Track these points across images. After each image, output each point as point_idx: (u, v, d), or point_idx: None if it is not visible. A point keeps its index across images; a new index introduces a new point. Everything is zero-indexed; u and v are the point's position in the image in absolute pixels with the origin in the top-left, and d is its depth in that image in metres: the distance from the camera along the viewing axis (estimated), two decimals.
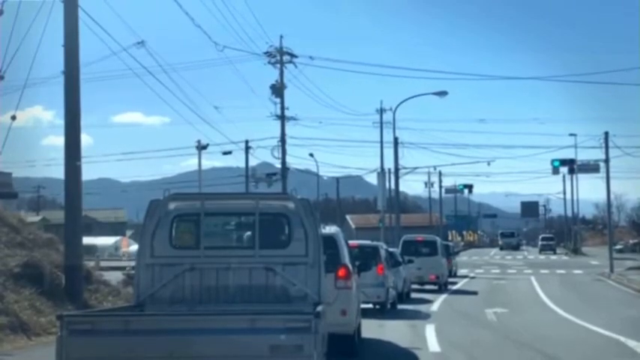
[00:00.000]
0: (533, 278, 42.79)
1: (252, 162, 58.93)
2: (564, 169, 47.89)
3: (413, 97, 49.73)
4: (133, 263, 18.69)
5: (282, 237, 9.95)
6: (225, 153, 54.93)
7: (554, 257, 76.35)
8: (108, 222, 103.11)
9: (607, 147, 47.37)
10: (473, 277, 44.00)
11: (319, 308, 8.11)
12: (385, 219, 77.16)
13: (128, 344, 7.36)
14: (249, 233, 10.24)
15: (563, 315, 22.15)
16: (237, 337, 7.38)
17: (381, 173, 76.15)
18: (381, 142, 77.30)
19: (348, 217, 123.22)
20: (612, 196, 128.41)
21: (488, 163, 47.66)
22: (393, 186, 59.36)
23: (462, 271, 48.12)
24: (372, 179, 79.86)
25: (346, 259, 13.75)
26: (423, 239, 36.18)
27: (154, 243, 9.72)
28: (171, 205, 9.95)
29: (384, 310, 21.86)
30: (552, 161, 47.60)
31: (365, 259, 19.43)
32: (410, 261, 31.78)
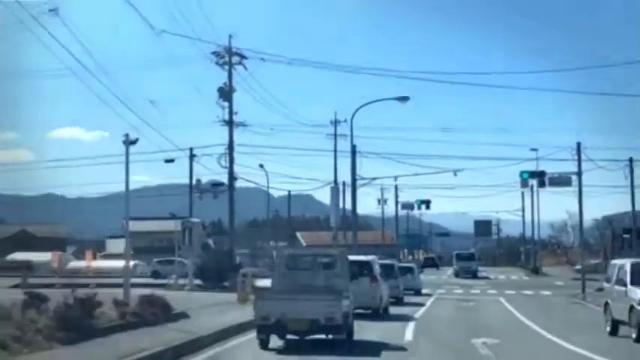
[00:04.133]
0: (502, 300, 39.39)
1: (204, 172, 54.71)
2: (533, 182, 44.49)
3: (372, 102, 46.04)
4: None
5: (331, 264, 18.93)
6: (168, 161, 50.59)
7: (514, 277, 73.13)
8: (46, 237, 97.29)
9: (579, 159, 44.23)
10: (436, 298, 40.19)
11: (344, 294, 17.38)
12: (338, 236, 73.88)
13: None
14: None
15: (572, 348, 18.30)
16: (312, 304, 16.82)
17: (335, 187, 72.76)
18: (335, 154, 73.56)
19: (298, 234, 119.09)
20: (567, 216, 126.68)
21: (455, 174, 44.08)
22: (347, 201, 55.84)
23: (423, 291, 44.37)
24: (323, 197, 75.74)
25: (375, 273, 27.38)
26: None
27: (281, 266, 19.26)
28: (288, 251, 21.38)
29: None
30: (521, 173, 44.32)
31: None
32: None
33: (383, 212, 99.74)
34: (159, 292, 37.70)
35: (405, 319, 26.24)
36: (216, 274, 43.10)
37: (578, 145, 44.22)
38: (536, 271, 78.97)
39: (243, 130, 49.83)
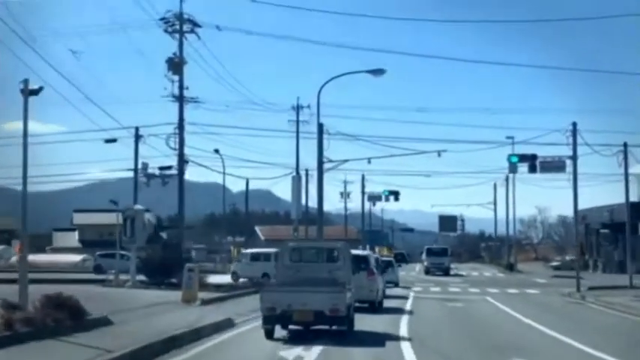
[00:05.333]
0: (492, 299, 34.34)
1: (151, 154, 48.81)
2: (524, 167, 39.44)
3: (342, 75, 40.54)
4: None
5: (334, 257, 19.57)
6: (109, 141, 44.65)
7: (488, 274, 68.20)
8: None
9: (575, 142, 39.27)
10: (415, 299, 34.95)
11: (347, 287, 17.79)
12: (299, 230, 68.37)
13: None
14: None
15: None
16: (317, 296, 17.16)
17: (297, 177, 67.25)
18: (297, 141, 68.36)
19: (257, 228, 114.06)
20: (536, 211, 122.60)
21: (439, 154, 38.52)
22: (310, 195, 50.52)
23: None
24: (282, 193, 70.19)
25: (372, 266, 27.94)
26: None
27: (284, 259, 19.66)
28: (292, 244, 20.82)
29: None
30: (509, 157, 39.24)
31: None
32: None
33: (345, 203, 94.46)
34: (97, 289, 33.49)
35: (399, 311, 26.47)
36: (163, 270, 37.51)
37: (574, 125, 39.33)
38: (510, 267, 73.80)
39: (196, 107, 44.29)
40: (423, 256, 79.87)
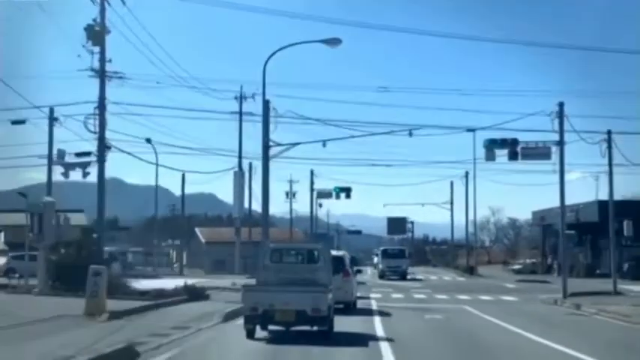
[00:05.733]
0: (471, 308, 28.86)
1: (68, 137, 42.06)
2: (502, 153, 33.84)
3: (291, 45, 34.57)
4: None
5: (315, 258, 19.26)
6: (16, 122, 37.95)
7: (447, 278, 62.66)
8: None
9: (562, 124, 33.86)
10: (385, 313, 29.25)
11: (328, 287, 17.87)
12: (242, 233, 62.34)
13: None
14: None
15: None
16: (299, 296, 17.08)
17: (239, 172, 61.17)
18: (240, 133, 62.25)
19: (197, 230, 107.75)
20: (489, 212, 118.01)
21: (410, 133, 32.38)
22: (256, 193, 44.46)
23: None
24: (226, 197, 63.98)
25: (347, 267, 27.43)
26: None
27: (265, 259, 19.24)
28: (273, 245, 20.20)
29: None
30: (486, 142, 33.64)
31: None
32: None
33: (291, 203, 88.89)
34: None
35: (370, 313, 26.01)
36: (77, 274, 31.08)
37: (561, 106, 33.93)
38: (470, 271, 68.34)
39: (121, 85, 37.80)
40: (377, 258, 74.18)
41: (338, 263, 25.15)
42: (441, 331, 20.59)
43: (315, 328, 17.23)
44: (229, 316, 22.04)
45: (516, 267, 73.59)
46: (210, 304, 27.12)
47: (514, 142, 33.24)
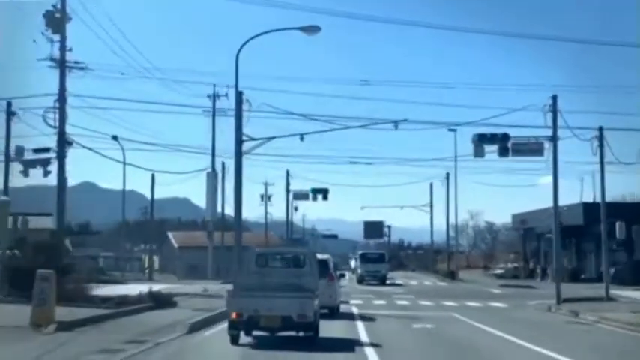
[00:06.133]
0: (461, 316, 26.65)
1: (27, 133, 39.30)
2: (492, 150, 31.61)
3: (267, 32, 32.15)
4: None
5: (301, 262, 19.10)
6: None
7: (428, 283, 60.40)
8: None
9: (555, 118, 31.72)
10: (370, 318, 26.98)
11: (315, 293, 17.54)
12: (214, 237, 59.85)
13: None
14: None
15: None
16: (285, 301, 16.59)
17: (212, 174, 58.62)
18: (213, 132, 59.64)
19: (170, 234, 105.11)
20: (468, 215, 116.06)
21: (396, 126, 29.94)
22: (228, 196, 41.92)
23: None
24: (200, 201, 61.52)
25: (332, 271, 27.01)
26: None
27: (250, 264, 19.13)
28: (258, 249, 20.98)
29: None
30: (475, 137, 31.37)
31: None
32: None
33: (266, 206, 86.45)
34: None
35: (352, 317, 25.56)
36: (32, 279, 28.48)
37: (554, 99, 31.79)
38: (451, 276, 66.09)
39: (83, 76, 35.24)
40: (355, 262, 71.70)
41: (322, 267, 24.00)
42: (435, 343, 18.28)
43: (300, 333, 16.90)
44: (195, 327, 19.60)
45: (498, 271, 71.52)
46: (177, 312, 24.66)
47: (505, 138, 31.03)
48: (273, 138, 30.38)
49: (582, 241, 64.25)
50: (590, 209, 58.52)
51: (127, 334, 17.10)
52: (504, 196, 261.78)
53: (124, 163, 52.09)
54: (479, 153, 31.51)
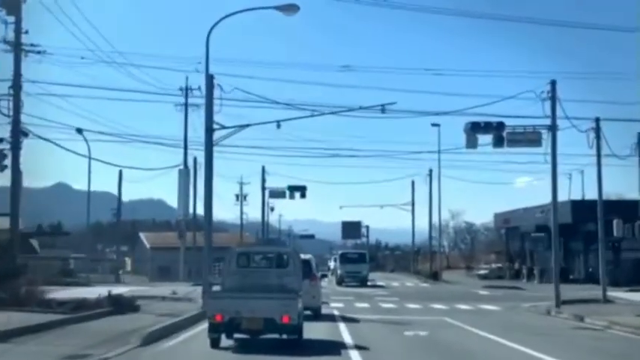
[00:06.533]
0: (455, 321, 24.10)
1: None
2: (486, 140, 29.11)
3: (239, 12, 29.39)
4: None
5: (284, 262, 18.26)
6: None
7: (410, 284, 57.82)
8: None
9: (554, 106, 29.24)
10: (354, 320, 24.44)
11: (299, 294, 16.71)
12: (187, 238, 57.13)
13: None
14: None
15: None
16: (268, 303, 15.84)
17: (184, 170, 55.83)
18: (185, 126, 56.85)
19: (141, 235, 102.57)
20: (449, 215, 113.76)
21: (383, 109, 27.19)
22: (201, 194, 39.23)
23: None
24: (175, 202, 58.44)
25: (314, 271, 26.28)
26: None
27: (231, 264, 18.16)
28: (239, 249, 20.51)
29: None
30: (467, 126, 28.75)
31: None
32: None
33: (242, 205, 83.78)
34: None
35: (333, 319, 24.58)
36: None
37: (553, 84, 29.30)
38: (434, 277, 63.51)
39: (39, 60, 32.29)
40: (334, 263, 68.97)
41: (305, 267, 22.69)
42: (433, 354, 15.67)
43: (284, 336, 16.23)
44: (152, 337, 16.78)
45: (481, 272, 69.08)
46: (137, 317, 21.90)
47: (500, 126, 28.45)
48: (248, 126, 27.61)
49: (570, 241, 61.96)
50: (579, 207, 56.30)
51: (69, 347, 14.39)
52: (483, 195, 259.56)
53: (89, 158, 49.09)
54: (471, 143, 28.91)
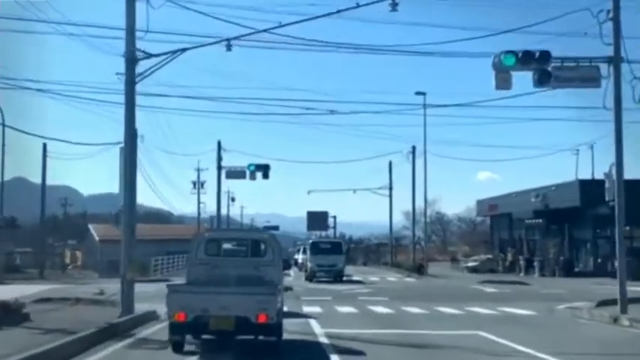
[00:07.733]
0: (498, 339, 16.04)
1: None
2: (521, 82, 20.52)
3: None
4: None
5: (261, 251, 15.91)
6: None
7: (392, 279, 49.38)
8: None
9: (617, 29, 20.96)
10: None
11: (278, 287, 14.55)
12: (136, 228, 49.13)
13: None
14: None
15: None
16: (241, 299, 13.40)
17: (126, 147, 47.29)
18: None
19: (90, 226, 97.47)
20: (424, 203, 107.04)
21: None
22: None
23: None
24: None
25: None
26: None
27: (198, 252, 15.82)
28: (208, 234, 17.39)
29: None
30: (497, 56, 20.10)
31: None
32: None
33: (199, 193, 75.77)
34: None
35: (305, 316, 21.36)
36: None
37: (616, 1, 21.11)
38: (419, 270, 55.14)
39: None
40: (301, 255, 60.52)
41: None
42: None
43: (260, 338, 13.77)
44: None
45: (471, 264, 61.00)
46: (17, 334, 14.61)
47: (544, 57, 20.06)
48: (185, 50, 18.95)
49: (577, 227, 54.10)
50: (587, 187, 48.33)
51: None
52: (454, 186, 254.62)
53: (3, 125, 40.41)
54: (502, 84, 20.46)
